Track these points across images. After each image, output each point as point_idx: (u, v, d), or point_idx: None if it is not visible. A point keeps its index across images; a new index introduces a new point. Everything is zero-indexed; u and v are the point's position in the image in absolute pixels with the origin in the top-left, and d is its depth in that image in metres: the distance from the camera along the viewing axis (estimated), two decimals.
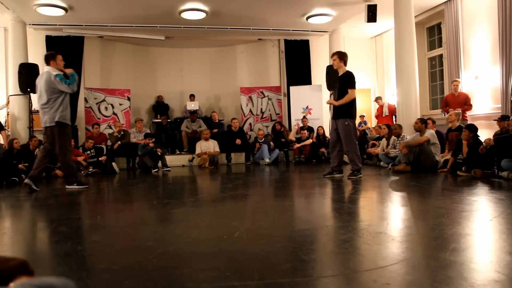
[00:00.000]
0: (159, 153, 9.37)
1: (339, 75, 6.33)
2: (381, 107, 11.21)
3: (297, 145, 10.31)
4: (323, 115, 11.49)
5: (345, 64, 6.31)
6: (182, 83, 13.12)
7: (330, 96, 11.04)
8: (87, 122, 10.97)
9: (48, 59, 5.72)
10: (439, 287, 1.67)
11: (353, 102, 6.21)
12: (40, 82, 5.65)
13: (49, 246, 2.76)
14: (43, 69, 5.83)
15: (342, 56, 6.30)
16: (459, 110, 7.85)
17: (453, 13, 9.18)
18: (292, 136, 10.64)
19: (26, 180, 5.54)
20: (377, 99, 11.41)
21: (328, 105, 11.32)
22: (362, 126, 11.16)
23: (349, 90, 6.12)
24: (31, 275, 1.05)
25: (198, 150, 10.17)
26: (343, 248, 2.37)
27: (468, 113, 8.72)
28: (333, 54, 6.43)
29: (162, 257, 2.25)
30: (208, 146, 10.11)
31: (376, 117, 11.36)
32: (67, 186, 5.83)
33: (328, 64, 11.06)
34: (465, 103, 8.24)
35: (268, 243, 2.49)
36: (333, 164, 6.46)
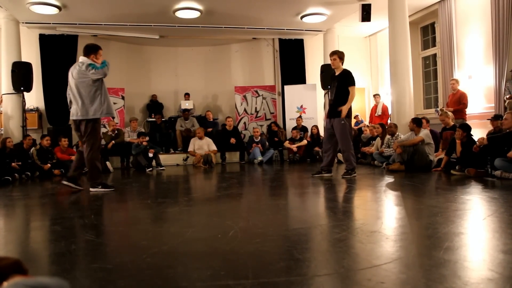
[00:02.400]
0: (151, 154, 9.32)
1: (336, 74, 6.32)
2: (375, 106, 11.25)
3: (292, 147, 10.31)
4: (317, 114, 11.51)
5: (343, 64, 6.31)
6: (176, 82, 13.09)
7: (324, 95, 11.07)
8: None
9: (89, 52, 5.30)
10: (433, 285, 1.68)
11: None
12: (73, 73, 5.26)
13: (43, 246, 2.75)
14: (78, 59, 5.44)
15: (342, 56, 6.29)
16: (444, 109, 7.89)
17: (446, 12, 9.23)
18: (287, 144, 10.59)
19: (64, 182, 5.49)
20: (375, 95, 11.44)
21: (322, 104, 11.39)
22: (358, 125, 11.19)
23: (350, 88, 6.09)
24: (25, 274, 1.04)
25: (191, 148, 10.14)
26: (338, 247, 2.38)
27: None
28: (333, 53, 6.36)
29: (156, 256, 2.25)
30: (201, 144, 10.09)
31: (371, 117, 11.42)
32: (91, 189, 5.29)
33: (322, 63, 11.11)
34: (459, 102, 8.27)
35: (262, 242, 2.49)
36: (323, 164, 6.47)
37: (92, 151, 5.28)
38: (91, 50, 5.31)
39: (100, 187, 5.29)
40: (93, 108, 5.19)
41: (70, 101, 5.39)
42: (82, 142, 5.43)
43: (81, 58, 5.29)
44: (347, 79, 6.15)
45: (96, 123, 5.29)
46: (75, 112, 5.27)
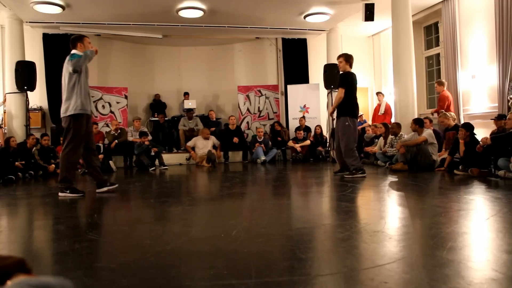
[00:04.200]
0: (154, 153, 9.34)
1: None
2: (378, 105, 11.22)
3: (296, 146, 10.29)
4: (320, 114, 11.50)
5: (351, 66, 6.31)
6: (179, 82, 13.10)
7: (327, 95, 11.06)
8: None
9: (75, 42, 4.93)
10: (437, 285, 1.67)
11: (353, 100, 6.22)
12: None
13: (46, 245, 2.76)
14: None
15: (348, 59, 6.30)
16: (442, 111, 7.96)
17: (450, 12, 9.19)
18: (291, 143, 10.56)
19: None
20: (378, 93, 11.42)
21: (325, 104, 11.38)
22: (361, 125, 11.16)
23: (339, 89, 6.19)
24: (29, 273, 1.04)
25: (190, 144, 10.18)
26: (341, 246, 2.38)
27: (464, 112, 8.78)
28: (339, 56, 6.42)
29: (160, 255, 2.25)
30: (205, 144, 10.09)
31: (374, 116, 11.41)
32: (59, 194, 4.85)
33: (325, 63, 11.09)
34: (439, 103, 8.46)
35: (265, 242, 2.49)
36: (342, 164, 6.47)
37: (67, 150, 4.79)
38: (76, 39, 4.97)
39: (68, 191, 4.79)
40: (69, 105, 4.77)
41: None
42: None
43: (72, 52, 4.91)
44: (341, 80, 6.21)
45: (75, 120, 4.77)
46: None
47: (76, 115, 4.77)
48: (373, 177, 6.33)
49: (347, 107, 6.18)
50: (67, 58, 4.83)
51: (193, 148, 10.15)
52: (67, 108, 4.78)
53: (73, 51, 4.88)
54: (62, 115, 4.84)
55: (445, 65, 9.47)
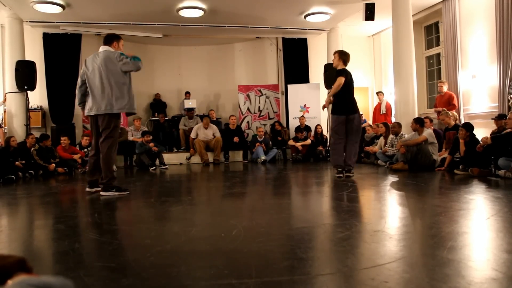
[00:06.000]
0: (155, 151, 9.37)
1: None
2: (379, 104, 11.21)
3: (297, 144, 10.28)
4: (320, 114, 11.49)
5: (345, 64, 6.19)
6: (180, 81, 13.11)
7: (327, 95, 11.06)
8: (84, 120, 10.93)
9: (111, 39, 4.96)
10: (437, 285, 1.67)
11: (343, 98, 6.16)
12: (94, 63, 4.79)
13: (47, 244, 2.76)
14: (99, 49, 4.93)
15: (341, 55, 6.23)
16: (445, 109, 7.95)
17: (450, 12, 9.19)
18: (292, 142, 10.57)
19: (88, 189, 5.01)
20: (378, 93, 11.41)
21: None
22: (362, 124, 11.14)
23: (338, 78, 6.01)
24: (30, 272, 1.04)
25: (193, 134, 10.31)
26: (341, 246, 2.37)
27: (465, 112, 8.78)
28: (334, 52, 6.40)
29: (160, 255, 2.25)
30: (207, 133, 10.18)
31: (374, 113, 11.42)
32: (102, 193, 4.82)
33: (326, 62, 11.08)
34: (448, 103, 8.36)
35: (266, 241, 2.49)
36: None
37: (112, 149, 4.82)
38: (113, 37, 4.98)
39: (114, 190, 4.82)
40: (120, 102, 4.71)
41: (83, 95, 4.92)
42: (99, 140, 4.86)
43: (102, 48, 4.86)
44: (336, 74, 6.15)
45: (118, 119, 4.87)
46: (94, 106, 4.76)
47: (119, 114, 4.83)
48: (374, 177, 6.33)
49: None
50: (116, 54, 4.78)
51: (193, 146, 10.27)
52: (122, 104, 4.72)
53: (113, 50, 4.89)
54: (114, 110, 4.74)
55: (446, 65, 9.48)
